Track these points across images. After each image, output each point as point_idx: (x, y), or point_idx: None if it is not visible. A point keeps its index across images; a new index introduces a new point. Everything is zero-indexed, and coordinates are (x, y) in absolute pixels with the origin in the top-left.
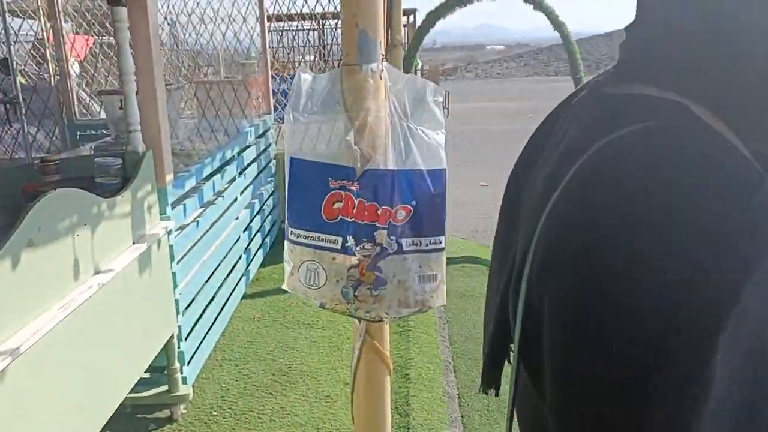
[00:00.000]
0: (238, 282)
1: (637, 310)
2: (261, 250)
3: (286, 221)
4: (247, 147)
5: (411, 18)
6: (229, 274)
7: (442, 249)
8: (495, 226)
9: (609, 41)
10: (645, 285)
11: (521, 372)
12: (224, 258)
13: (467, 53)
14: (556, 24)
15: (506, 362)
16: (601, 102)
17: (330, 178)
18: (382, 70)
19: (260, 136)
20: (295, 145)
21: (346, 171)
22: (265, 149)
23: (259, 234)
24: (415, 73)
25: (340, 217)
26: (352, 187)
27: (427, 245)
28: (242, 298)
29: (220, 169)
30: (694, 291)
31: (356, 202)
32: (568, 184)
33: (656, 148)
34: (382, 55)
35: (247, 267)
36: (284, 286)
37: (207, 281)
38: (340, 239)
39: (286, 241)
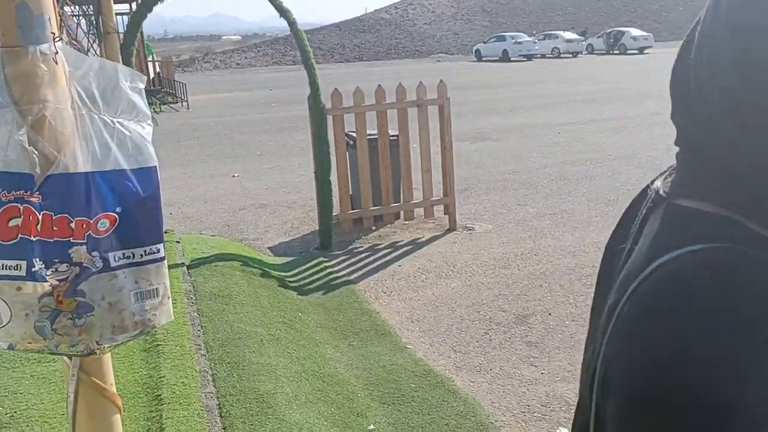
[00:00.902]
0: None
1: None
2: None
3: None
4: None
5: (134, 5)
6: None
7: (162, 258)
8: (246, 219)
9: (339, 31)
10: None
11: None
12: None
13: (203, 44)
14: (281, 11)
15: None
16: (663, 215)
17: (1, 190)
18: (57, 53)
19: None
20: None
21: (21, 179)
22: None
23: None
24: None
25: (20, 236)
26: (32, 199)
27: (141, 256)
28: None
29: None
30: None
31: (39, 216)
32: (630, 300)
33: (716, 273)
34: (56, 34)
35: None
36: None
37: None
38: (23, 264)
39: None
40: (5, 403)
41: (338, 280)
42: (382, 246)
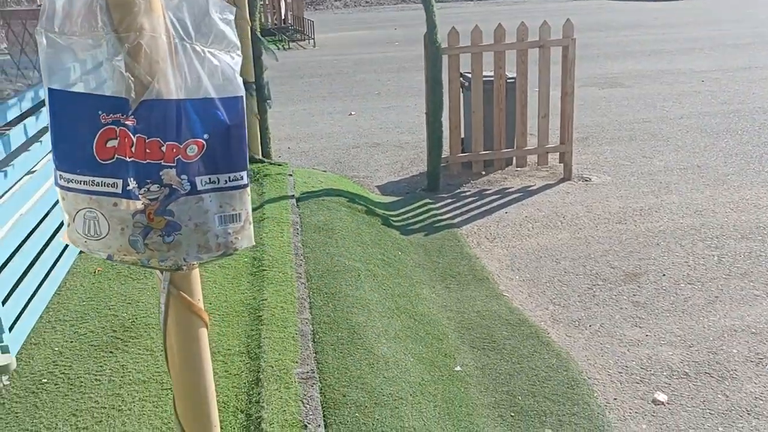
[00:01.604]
0: None
1: None
2: None
3: (53, 164)
4: None
5: None
6: (59, 228)
7: (245, 185)
8: (358, 156)
9: None
10: None
11: None
12: (49, 210)
13: None
14: None
15: None
16: None
17: (100, 112)
18: None
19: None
20: (55, 73)
21: (118, 103)
22: None
23: None
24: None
25: (116, 156)
26: (127, 122)
27: (226, 183)
28: (80, 252)
29: (33, 111)
30: None
31: (134, 139)
32: None
33: None
34: None
35: None
36: (63, 239)
37: (28, 237)
38: (119, 182)
39: (55, 187)
40: (129, 310)
41: (441, 223)
42: (490, 191)
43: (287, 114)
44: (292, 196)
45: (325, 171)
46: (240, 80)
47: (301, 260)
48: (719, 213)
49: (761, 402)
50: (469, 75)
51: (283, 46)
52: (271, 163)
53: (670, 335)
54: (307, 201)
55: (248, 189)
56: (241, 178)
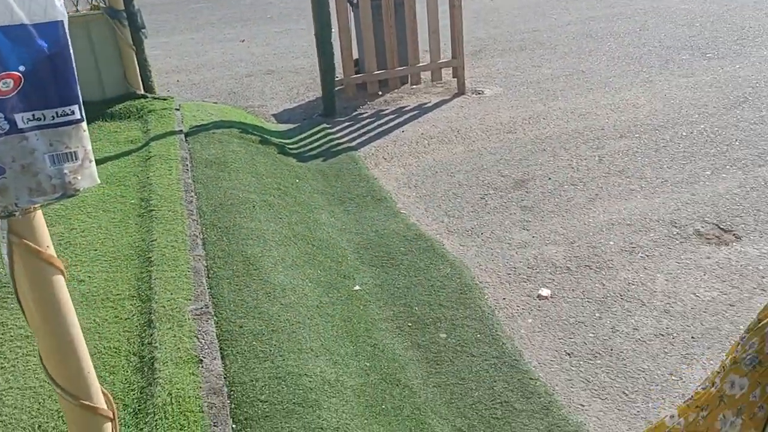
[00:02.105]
0: None
1: None
2: None
3: None
4: None
5: None
6: None
7: (79, 120)
8: (252, 85)
9: None
10: None
11: None
12: None
13: None
14: None
15: None
16: None
17: None
18: None
19: None
20: None
21: None
22: None
23: None
24: None
25: None
26: None
27: (53, 118)
28: None
29: None
30: None
31: None
32: None
33: None
34: None
35: None
36: None
37: None
38: None
39: None
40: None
41: (339, 147)
42: (387, 111)
43: (174, 44)
44: (181, 131)
45: (216, 103)
46: (59, 2)
47: (192, 196)
48: (601, 115)
49: (633, 286)
50: None
51: None
52: (155, 98)
53: (554, 235)
54: (197, 135)
55: (83, 124)
56: (72, 112)
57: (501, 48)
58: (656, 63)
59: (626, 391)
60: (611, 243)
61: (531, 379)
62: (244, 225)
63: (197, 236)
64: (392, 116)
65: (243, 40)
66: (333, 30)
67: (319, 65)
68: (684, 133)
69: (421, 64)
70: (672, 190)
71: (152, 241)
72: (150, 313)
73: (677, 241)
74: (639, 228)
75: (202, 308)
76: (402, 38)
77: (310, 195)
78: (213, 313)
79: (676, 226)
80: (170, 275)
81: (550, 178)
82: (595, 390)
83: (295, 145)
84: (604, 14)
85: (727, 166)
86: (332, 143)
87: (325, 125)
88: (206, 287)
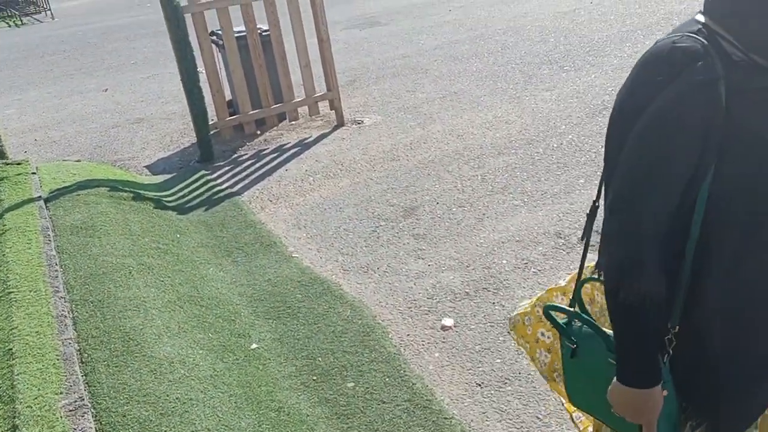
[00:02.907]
0: None
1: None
2: None
3: None
4: None
5: None
6: None
7: None
8: (120, 136)
9: None
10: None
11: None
12: None
13: None
14: None
15: None
16: (684, 23)
17: None
18: None
19: None
20: None
21: None
22: None
23: None
24: None
25: None
26: None
27: None
28: None
29: None
30: (631, 102)
31: None
32: None
33: (670, 46)
34: None
35: None
36: None
37: None
38: None
39: None
40: None
41: (221, 194)
42: (268, 151)
43: (30, 100)
44: (39, 198)
45: (79, 160)
46: None
47: (57, 270)
48: (477, 134)
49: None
50: (221, 32)
51: (14, 22)
52: (7, 163)
53: (449, 260)
54: (59, 199)
55: None
56: None
57: (375, 76)
58: (521, 79)
59: (539, 416)
60: (504, 262)
61: (445, 418)
62: (120, 295)
63: (66, 316)
64: (274, 155)
65: (106, 90)
66: (201, 72)
67: (190, 110)
68: (555, 145)
69: (296, 100)
70: (552, 202)
71: (12, 329)
72: (14, 417)
73: (564, 252)
74: (528, 243)
75: (76, 402)
76: (274, 75)
77: (194, 250)
78: (90, 405)
79: (561, 237)
80: (36, 367)
81: (437, 203)
82: (510, 419)
83: (173, 197)
84: (467, 37)
85: (598, 173)
86: (213, 190)
87: (204, 172)
88: (80, 375)
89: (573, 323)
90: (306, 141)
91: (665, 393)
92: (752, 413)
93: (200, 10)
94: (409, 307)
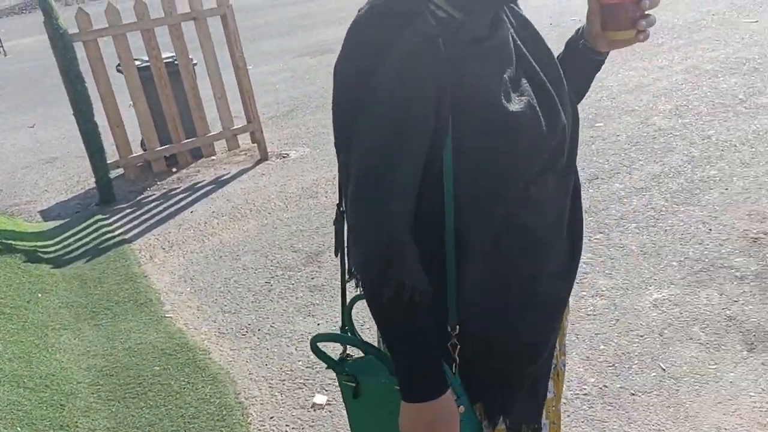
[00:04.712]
0: None
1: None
2: None
3: None
4: None
5: None
6: None
7: None
8: (26, 178)
9: None
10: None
11: None
12: None
13: None
14: None
15: None
16: None
17: None
18: None
19: None
20: None
21: None
22: None
23: None
24: None
25: None
26: None
27: None
28: None
29: None
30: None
31: None
32: None
33: (372, 6)
34: None
35: None
36: None
37: None
38: None
39: None
40: None
41: (111, 241)
42: (178, 191)
43: None
44: None
45: None
46: None
47: None
48: None
49: None
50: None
51: None
52: None
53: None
54: None
55: None
56: None
57: (314, 105)
58: None
59: None
60: None
61: None
62: None
63: None
64: (183, 195)
65: (33, 125)
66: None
67: (85, 148)
68: None
69: (211, 134)
70: None
71: None
72: None
73: None
74: None
75: None
76: (185, 108)
77: (54, 312)
78: None
79: None
80: None
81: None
82: None
83: (54, 247)
84: None
85: None
86: (103, 238)
87: (99, 216)
88: None
89: (348, 357)
90: (222, 178)
91: (462, 410)
92: (538, 402)
93: (93, 38)
94: (283, 380)
